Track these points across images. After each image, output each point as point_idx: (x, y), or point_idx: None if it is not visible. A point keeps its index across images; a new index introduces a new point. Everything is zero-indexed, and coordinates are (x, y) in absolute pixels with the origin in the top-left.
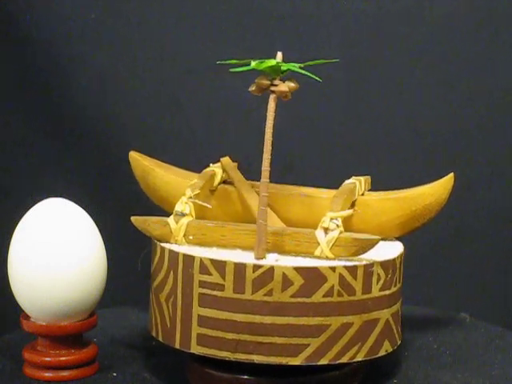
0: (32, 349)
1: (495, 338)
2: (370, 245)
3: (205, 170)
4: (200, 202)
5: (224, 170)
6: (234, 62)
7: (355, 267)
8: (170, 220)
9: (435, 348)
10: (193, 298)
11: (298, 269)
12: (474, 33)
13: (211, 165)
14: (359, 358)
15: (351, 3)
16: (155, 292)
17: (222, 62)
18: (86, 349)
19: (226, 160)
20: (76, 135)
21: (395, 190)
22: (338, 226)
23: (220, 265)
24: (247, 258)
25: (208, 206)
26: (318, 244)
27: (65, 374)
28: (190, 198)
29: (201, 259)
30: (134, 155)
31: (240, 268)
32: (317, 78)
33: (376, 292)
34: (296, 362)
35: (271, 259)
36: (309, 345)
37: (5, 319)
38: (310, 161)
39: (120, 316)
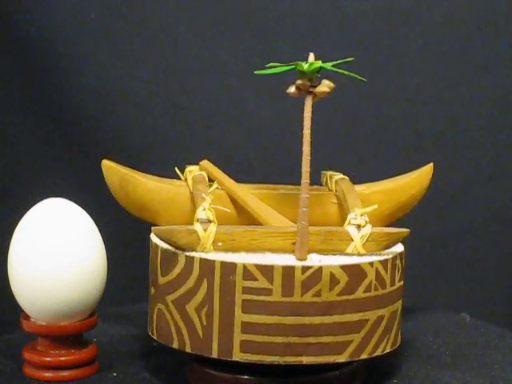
0: (32, 349)
1: (495, 338)
2: (399, 238)
3: (195, 175)
4: (222, 208)
5: (208, 173)
6: (275, 64)
7: (386, 261)
8: (198, 227)
9: (435, 348)
10: (235, 305)
11: (343, 267)
12: (474, 33)
13: (177, 169)
14: (387, 350)
15: (351, 3)
16: (177, 303)
17: (271, 65)
18: (86, 349)
19: (206, 163)
20: (76, 135)
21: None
22: (366, 221)
23: (267, 269)
24: (288, 260)
25: (227, 210)
26: (351, 241)
27: (65, 374)
28: (211, 204)
29: (244, 265)
30: (108, 163)
31: (288, 271)
32: (362, 78)
33: (397, 283)
34: (342, 358)
35: (315, 260)
36: (352, 341)
37: (5, 319)
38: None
39: (120, 316)
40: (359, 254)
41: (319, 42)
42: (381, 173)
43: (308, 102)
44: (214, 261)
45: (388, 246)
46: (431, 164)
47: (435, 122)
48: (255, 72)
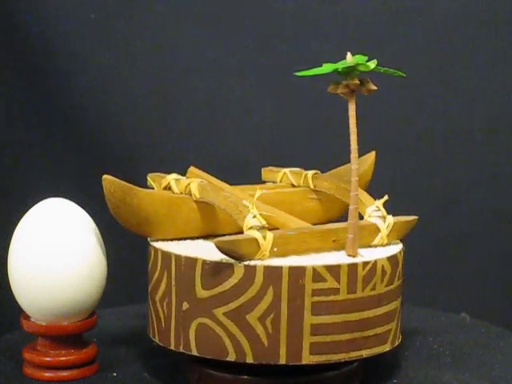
0: (32, 349)
1: (495, 338)
2: (413, 225)
3: (200, 183)
4: (269, 214)
5: (203, 179)
6: (328, 64)
7: (403, 249)
8: (257, 235)
9: (435, 348)
10: (304, 308)
11: (389, 258)
12: (475, 32)
13: (148, 177)
14: (401, 337)
15: (351, 2)
16: (233, 314)
17: (331, 65)
18: (86, 349)
19: (195, 169)
20: (76, 135)
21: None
22: (386, 212)
23: (334, 269)
24: (342, 258)
25: (273, 215)
26: (378, 232)
27: (65, 374)
28: (257, 210)
29: (313, 267)
30: (110, 178)
31: (353, 268)
32: (402, 74)
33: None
34: (387, 347)
35: (366, 255)
36: (391, 329)
37: (5, 319)
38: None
39: (120, 316)
40: (383, 245)
41: (319, 42)
42: (380, 172)
43: (353, 101)
44: (281, 267)
45: (405, 234)
46: (373, 152)
47: (435, 122)
48: (295, 73)
